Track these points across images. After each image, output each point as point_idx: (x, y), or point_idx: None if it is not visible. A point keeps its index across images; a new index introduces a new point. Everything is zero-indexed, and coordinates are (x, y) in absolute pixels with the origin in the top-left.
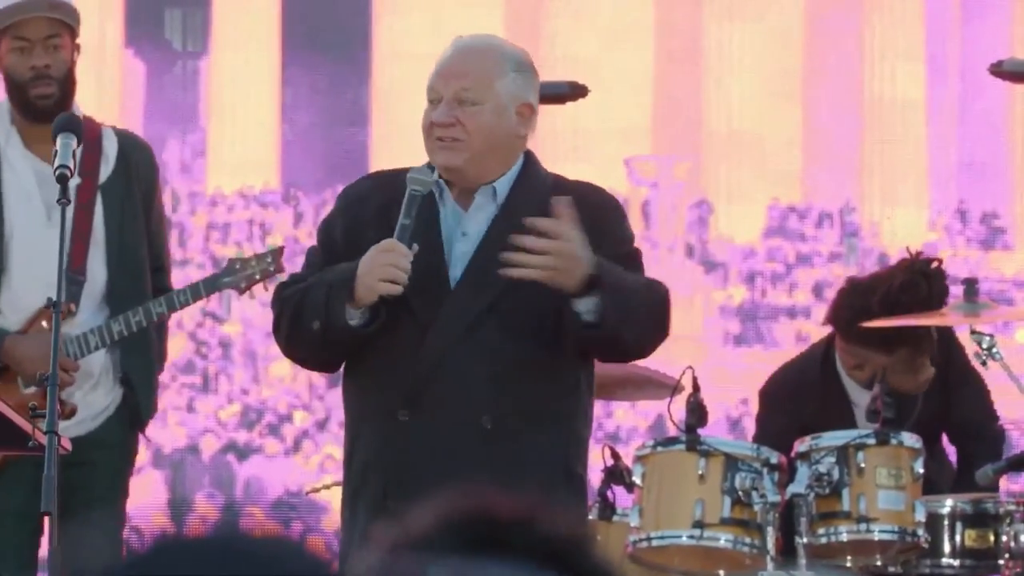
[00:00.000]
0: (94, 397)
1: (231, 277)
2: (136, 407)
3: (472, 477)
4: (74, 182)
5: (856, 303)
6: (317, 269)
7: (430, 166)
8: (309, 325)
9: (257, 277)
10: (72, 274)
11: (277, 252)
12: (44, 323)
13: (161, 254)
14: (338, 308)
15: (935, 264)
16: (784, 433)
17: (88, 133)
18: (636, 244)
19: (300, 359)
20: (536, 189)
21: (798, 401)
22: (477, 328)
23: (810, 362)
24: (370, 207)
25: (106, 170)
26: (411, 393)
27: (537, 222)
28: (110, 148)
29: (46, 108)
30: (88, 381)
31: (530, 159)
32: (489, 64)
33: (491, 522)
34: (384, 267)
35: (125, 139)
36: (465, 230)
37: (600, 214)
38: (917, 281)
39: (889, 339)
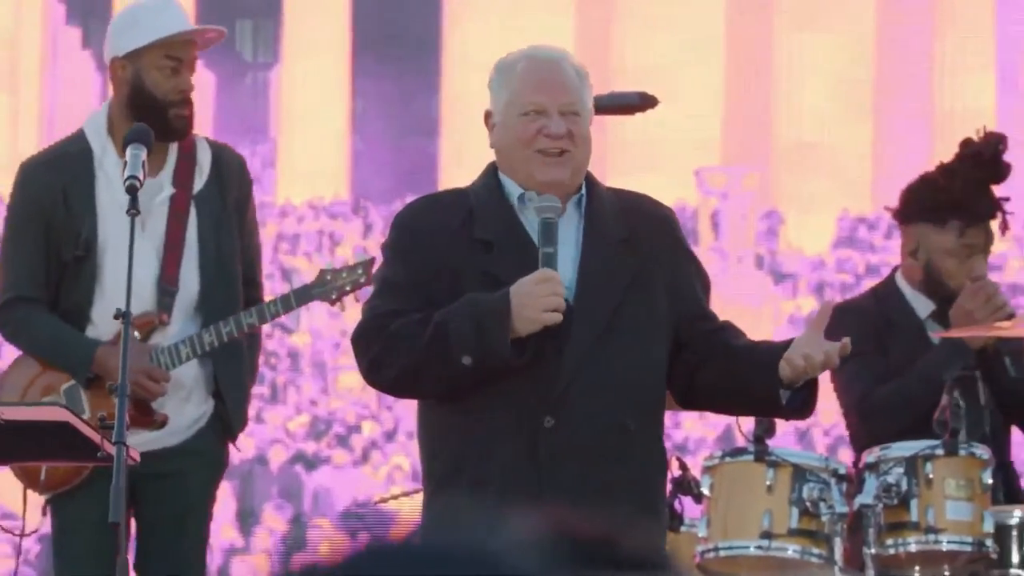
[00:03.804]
0: (186, 408)
1: (322, 288)
2: (227, 419)
3: (613, 477)
4: (168, 192)
5: (919, 181)
6: (407, 300)
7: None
8: (454, 359)
9: (348, 288)
10: (164, 285)
11: (368, 264)
12: (136, 333)
13: (253, 265)
14: (500, 342)
15: (995, 137)
16: (878, 367)
17: (183, 144)
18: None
19: (413, 392)
20: (604, 196)
21: (868, 321)
22: (607, 334)
23: (864, 298)
24: (444, 230)
25: (200, 181)
26: (557, 399)
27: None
28: (204, 159)
29: (182, 128)
30: (180, 392)
31: None
32: (580, 77)
33: (578, 541)
34: (547, 297)
35: (218, 150)
36: (562, 239)
37: (673, 227)
38: (984, 149)
39: (940, 208)
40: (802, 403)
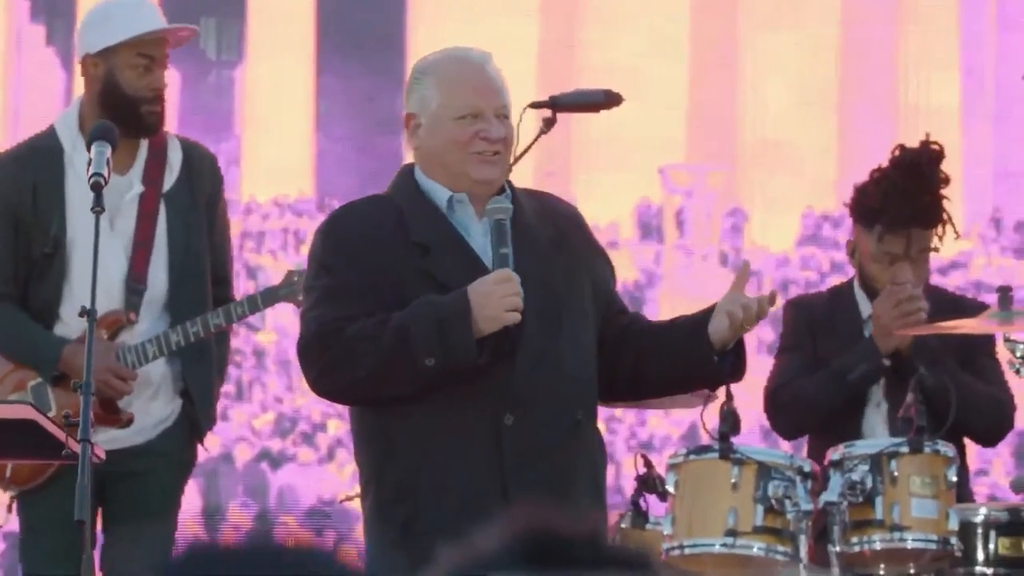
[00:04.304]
0: (153, 407)
1: (288, 289)
2: (195, 418)
3: (573, 470)
4: (137, 190)
5: (859, 186)
6: (356, 305)
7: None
8: (418, 361)
9: None
10: (132, 283)
11: None
12: (104, 332)
13: (224, 264)
14: (463, 342)
15: (930, 145)
16: (801, 364)
17: (154, 142)
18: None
19: (373, 395)
20: (523, 197)
21: (810, 318)
22: (555, 331)
23: (819, 295)
24: (379, 233)
25: (170, 179)
26: (515, 398)
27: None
28: (175, 157)
29: (153, 125)
30: (147, 391)
31: None
32: (504, 81)
33: (555, 538)
34: (507, 298)
35: (189, 148)
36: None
37: (583, 225)
38: (905, 156)
39: (866, 211)
40: (732, 366)
